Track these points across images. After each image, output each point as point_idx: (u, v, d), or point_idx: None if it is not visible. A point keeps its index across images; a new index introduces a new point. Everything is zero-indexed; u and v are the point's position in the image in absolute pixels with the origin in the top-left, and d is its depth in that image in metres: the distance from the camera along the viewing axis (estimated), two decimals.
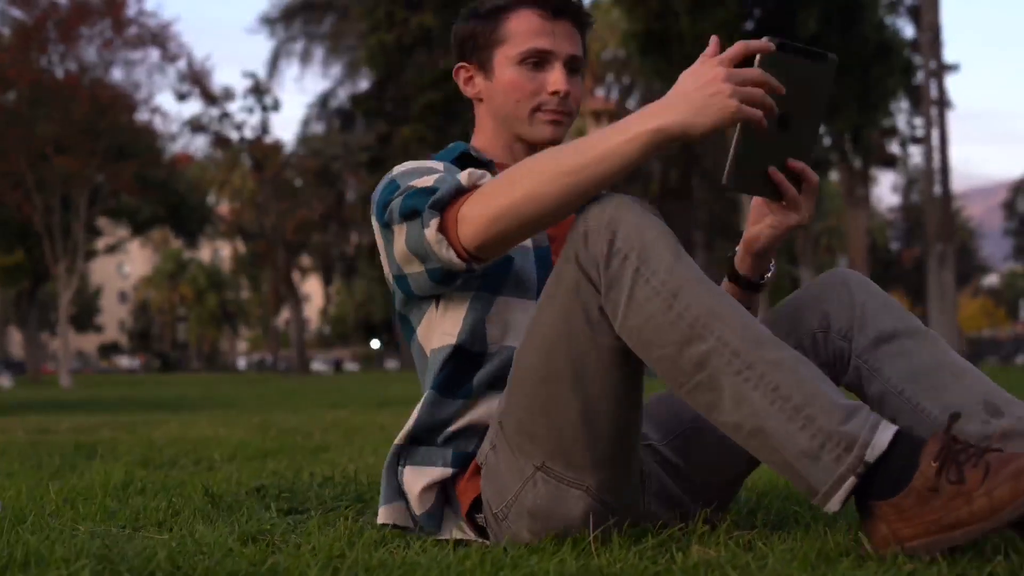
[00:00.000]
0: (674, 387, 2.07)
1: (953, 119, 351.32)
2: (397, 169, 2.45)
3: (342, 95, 54.16)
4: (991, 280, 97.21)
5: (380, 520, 2.48)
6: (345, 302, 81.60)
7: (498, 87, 2.54)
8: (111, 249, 50.31)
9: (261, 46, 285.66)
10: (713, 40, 2.10)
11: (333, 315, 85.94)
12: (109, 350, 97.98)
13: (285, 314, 74.67)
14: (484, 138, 2.62)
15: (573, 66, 2.54)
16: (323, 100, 55.69)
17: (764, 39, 2.07)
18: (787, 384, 1.96)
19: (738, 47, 2.06)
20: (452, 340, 2.41)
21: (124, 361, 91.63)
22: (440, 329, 2.44)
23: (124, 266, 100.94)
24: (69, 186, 33.43)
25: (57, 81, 32.78)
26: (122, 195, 38.21)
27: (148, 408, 12.77)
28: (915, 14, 38.81)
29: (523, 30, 2.51)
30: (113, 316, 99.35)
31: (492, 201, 2.16)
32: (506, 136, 2.59)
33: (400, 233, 2.31)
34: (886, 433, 1.90)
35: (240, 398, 16.29)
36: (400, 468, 2.45)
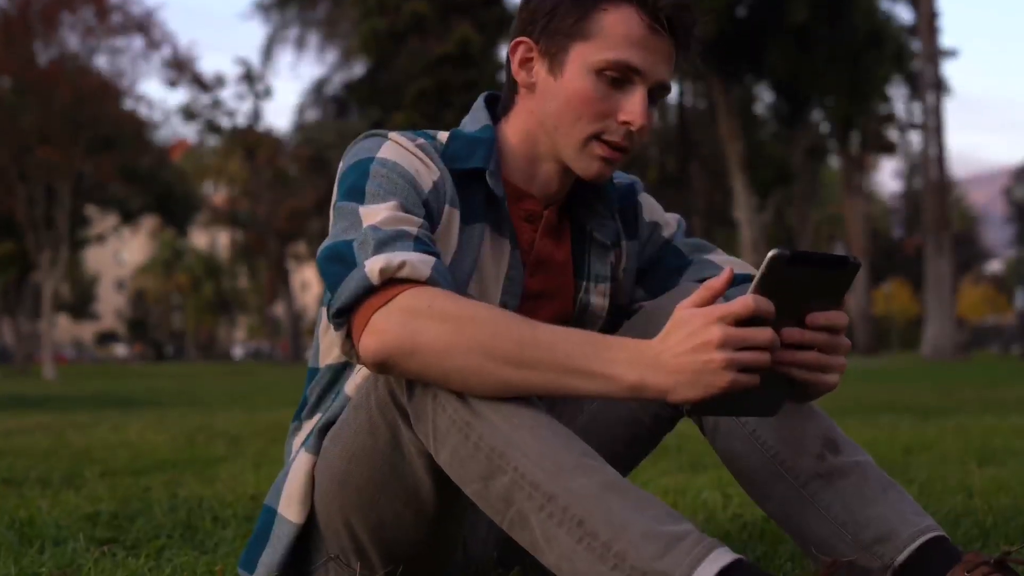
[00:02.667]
0: (500, 525, 1.80)
1: (958, 105, 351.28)
2: (381, 151, 2.00)
3: (337, 82, 53.94)
4: (994, 267, 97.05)
5: None
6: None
7: (562, 91, 2.02)
8: (100, 238, 50.05)
9: (256, 32, 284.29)
10: (725, 273, 1.72)
11: None
12: (106, 339, 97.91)
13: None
14: (515, 133, 2.13)
15: (658, 95, 2.05)
16: (318, 87, 55.42)
17: (775, 251, 1.65)
18: (593, 517, 1.66)
19: (745, 306, 1.66)
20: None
21: (119, 350, 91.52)
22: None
23: (121, 254, 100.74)
24: (52, 176, 33.09)
25: (39, 70, 32.39)
26: (109, 185, 38.00)
27: (115, 404, 12.55)
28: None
29: (619, 33, 1.97)
30: (110, 304, 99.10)
31: (412, 330, 1.76)
32: (543, 147, 2.10)
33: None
34: (710, 568, 1.58)
35: (212, 393, 16.02)
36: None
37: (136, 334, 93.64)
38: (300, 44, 54.45)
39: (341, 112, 52.54)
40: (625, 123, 2.01)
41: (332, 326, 1.86)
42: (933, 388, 12.96)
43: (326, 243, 1.91)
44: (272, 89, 65.02)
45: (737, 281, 2.21)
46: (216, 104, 52.77)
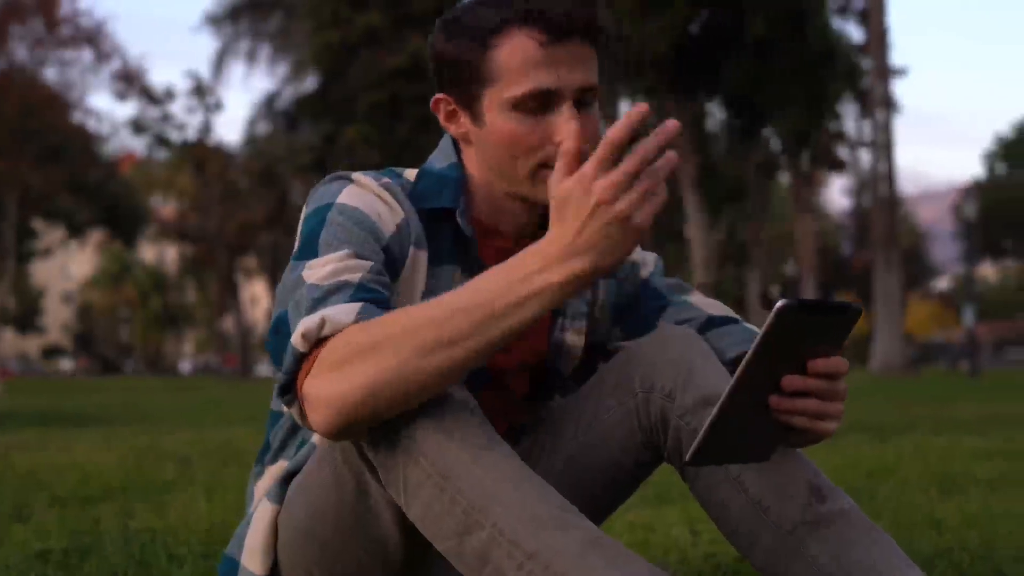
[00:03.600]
0: None
1: (906, 122, 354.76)
2: (341, 196, 1.92)
3: (288, 95, 53.81)
4: (942, 283, 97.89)
5: None
6: None
7: (490, 137, 1.96)
8: (47, 251, 49.72)
9: (206, 45, 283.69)
10: (572, 128, 1.66)
11: None
12: (52, 352, 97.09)
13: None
14: (476, 172, 2.05)
15: (587, 99, 1.95)
16: (269, 100, 55.26)
17: (782, 302, 1.61)
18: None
19: (606, 144, 1.60)
20: None
21: (65, 364, 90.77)
22: None
23: (68, 267, 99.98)
24: None
25: None
26: (57, 198, 37.78)
27: (62, 421, 12.29)
28: (864, 17, 38.77)
29: (518, 64, 1.89)
30: (56, 318, 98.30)
31: (342, 382, 1.67)
32: (501, 188, 2.03)
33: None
34: None
35: (160, 410, 15.82)
36: None
37: (82, 348, 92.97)
38: (251, 57, 54.31)
39: (292, 125, 52.40)
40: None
41: (279, 400, 1.78)
42: (887, 405, 12.97)
43: (274, 311, 1.86)
44: (223, 102, 64.77)
45: (717, 322, 2.18)
46: (166, 117, 52.61)
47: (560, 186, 1.63)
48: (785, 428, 1.79)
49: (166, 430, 10.09)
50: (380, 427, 1.74)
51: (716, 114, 41.32)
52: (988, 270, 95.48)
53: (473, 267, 2.00)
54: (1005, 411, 11.69)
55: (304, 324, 1.71)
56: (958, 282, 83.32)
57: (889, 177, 35.52)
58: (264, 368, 72.32)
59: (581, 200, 1.60)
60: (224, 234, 55.22)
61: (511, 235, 2.08)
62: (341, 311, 1.72)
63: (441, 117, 2.03)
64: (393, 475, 1.75)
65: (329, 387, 1.67)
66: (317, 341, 1.71)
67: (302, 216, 1.94)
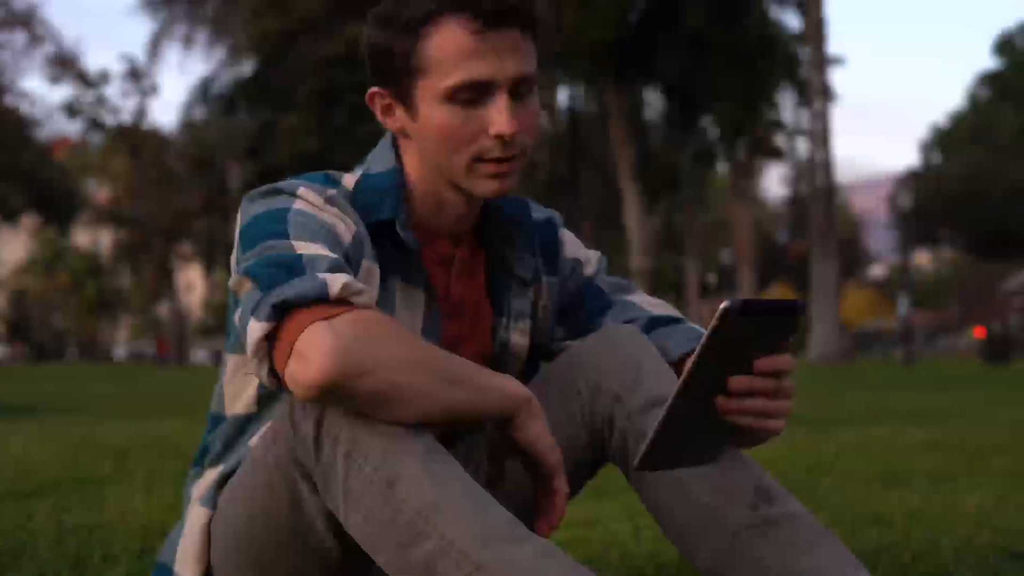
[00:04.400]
0: None
1: (843, 111, 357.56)
2: (295, 205, 1.86)
3: (226, 80, 53.39)
4: (877, 272, 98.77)
5: None
6: (227, 291, 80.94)
7: (425, 130, 1.91)
8: None
9: (142, 28, 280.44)
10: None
11: (216, 304, 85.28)
12: None
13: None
14: (414, 171, 2.00)
15: (523, 89, 1.89)
16: (205, 85, 54.78)
17: (726, 303, 1.61)
18: None
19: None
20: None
21: None
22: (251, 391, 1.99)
23: (1, 253, 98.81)
24: None
25: None
26: None
27: None
28: (801, 6, 38.96)
29: (450, 54, 1.83)
30: None
31: (370, 345, 1.64)
32: (440, 181, 1.98)
33: (242, 292, 1.76)
34: None
35: (96, 399, 15.67)
36: None
37: (15, 334, 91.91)
38: (188, 41, 53.80)
39: (229, 111, 51.98)
40: (499, 136, 1.88)
41: (256, 321, 1.67)
42: (824, 395, 13.03)
43: (254, 260, 1.76)
44: (158, 86, 64.13)
45: (661, 322, 2.16)
46: (100, 101, 52.05)
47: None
48: (733, 429, 1.77)
49: (102, 421, 9.97)
50: (319, 431, 1.70)
51: (654, 103, 41.42)
52: (923, 259, 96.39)
53: (416, 276, 1.98)
54: (939, 402, 11.80)
55: (345, 278, 1.68)
56: (893, 271, 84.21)
57: (826, 166, 35.74)
58: (200, 355, 71.93)
59: None
60: (159, 220, 54.79)
61: (452, 235, 2.05)
62: (357, 288, 1.70)
63: (377, 111, 1.98)
64: (332, 483, 1.70)
65: (353, 342, 1.62)
66: (343, 301, 1.67)
67: (244, 222, 1.87)
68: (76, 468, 5.70)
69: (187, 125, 55.39)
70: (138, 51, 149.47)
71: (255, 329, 1.67)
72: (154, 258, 57.30)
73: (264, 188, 1.91)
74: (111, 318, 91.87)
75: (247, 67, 49.54)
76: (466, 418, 1.73)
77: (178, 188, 54.83)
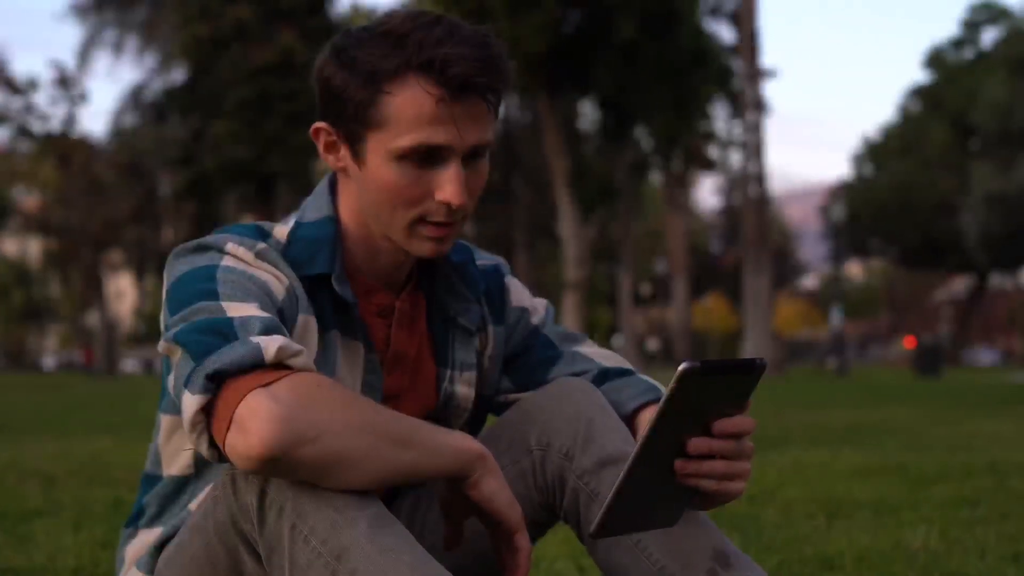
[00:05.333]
0: None
1: (776, 123, 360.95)
2: (223, 261, 1.79)
3: (156, 87, 53.11)
4: (809, 282, 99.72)
5: None
6: (159, 300, 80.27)
7: (370, 181, 1.85)
8: None
9: (71, 34, 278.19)
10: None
11: (146, 312, 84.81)
12: None
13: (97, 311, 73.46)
14: (350, 215, 1.94)
15: (478, 153, 1.85)
16: (136, 92, 54.48)
17: (685, 364, 1.57)
18: None
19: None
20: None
21: None
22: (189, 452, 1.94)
23: None
24: None
25: None
26: None
27: None
28: (735, 19, 39.23)
29: (409, 116, 1.77)
30: None
31: (311, 411, 1.58)
32: (375, 229, 1.92)
33: (174, 358, 1.70)
34: None
35: (21, 413, 15.47)
36: None
37: None
38: (118, 48, 53.52)
39: (160, 118, 51.77)
40: (446, 203, 1.82)
41: (191, 393, 1.60)
42: (760, 413, 13.05)
43: (183, 326, 1.69)
44: (88, 93, 63.66)
45: (613, 374, 2.11)
46: (29, 108, 51.67)
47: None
48: (691, 491, 1.75)
49: (29, 441, 9.79)
50: (262, 502, 1.64)
51: (588, 113, 41.57)
52: (854, 269, 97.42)
53: (355, 329, 1.93)
54: (873, 417, 11.96)
55: (280, 340, 1.62)
56: (825, 281, 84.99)
57: (759, 177, 35.98)
58: (130, 364, 71.26)
59: None
60: (89, 228, 54.31)
61: (390, 284, 2.00)
62: (294, 350, 1.64)
63: (320, 146, 1.91)
64: (277, 555, 1.64)
65: (293, 409, 1.55)
66: (277, 363, 1.61)
67: (172, 281, 1.80)
68: (2, 498, 5.56)
69: (117, 133, 55.07)
70: (68, 55, 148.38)
71: (190, 403, 1.61)
72: (83, 266, 56.77)
73: (191, 244, 1.84)
74: (39, 327, 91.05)
75: (178, 74, 49.29)
76: (417, 478, 1.69)
77: (108, 196, 54.41)
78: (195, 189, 46.97)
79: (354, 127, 1.83)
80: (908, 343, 49.30)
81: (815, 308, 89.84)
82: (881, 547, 3.84)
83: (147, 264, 62.82)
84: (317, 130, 1.91)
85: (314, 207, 1.95)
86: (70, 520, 4.70)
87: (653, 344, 71.71)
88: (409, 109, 1.78)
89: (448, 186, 1.81)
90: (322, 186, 1.99)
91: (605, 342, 73.69)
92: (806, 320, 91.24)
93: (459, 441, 1.71)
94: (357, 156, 1.86)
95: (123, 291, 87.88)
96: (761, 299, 35.95)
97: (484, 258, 2.16)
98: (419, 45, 1.77)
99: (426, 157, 1.81)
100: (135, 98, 54.13)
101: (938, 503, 5.03)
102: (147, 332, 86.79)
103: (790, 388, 23.52)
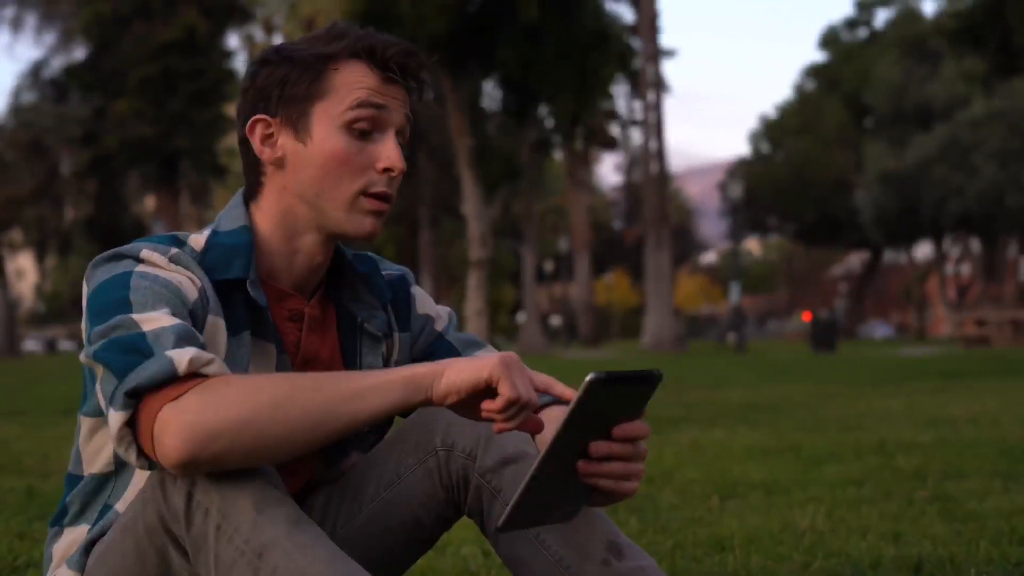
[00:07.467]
0: None
1: (675, 101, 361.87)
2: (137, 268, 1.90)
3: (57, 65, 52.16)
4: (709, 258, 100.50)
5: None
6: (60, 278, 79.16)
7: (315, 156, 1.97)
8: None
9: None
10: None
11: (48, 292, 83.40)
12: None
13: None
14: (267, 219, 2.06)
15: (401, 139, 2.04)
16: (35, 69, 53.45)
17: (591, 376, 1.69)
18: None
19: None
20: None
21: None
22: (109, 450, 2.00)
23: None
24: None
25: None
26: None
27: None
28: (636, 1, 39.41)
29: (355, 83, 1.97)
30: None
31: (215, 412, 1.70)
32: (303, 220, 2.04)
33: (98, 373, 1.82)
34: None
35: None
36: None
37: None
38: (16, 24, 52.42)
39: (61, 96, 50.86)
40: (386, 170, 1.99)
41: (115, 410, 1.74)
42: (662, 391, 13.28)
43: (102, 343, 1.81)
44: None
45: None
46: None
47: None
48: (590, 489, 1.87)
49: None
50: (189, 504, 1.77)
51: (492, 92, 41.58)
52: (753, 245, 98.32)
53: (267, 331, 2.04)
54: (770, 396, 12.16)
55: (192, 352, 1.74)
56: (724, 257, 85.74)
57: (659, 155, 36.32)
58: (31, 344, 70.14)
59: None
60: None
61: (302, 290, 2.11)
62: (207, 359, 1.76)
63: (255, 140, 2.02)
64: (203, 553, 1.77)
65: (197, 419, 1.69)
66: (193, 374, 1.74)
67: (89, 291, 1.92)
68: None
69: (16, 110, 53.98)
70: None
71: (115, 419, 1.74)
72: None
73: (108, 253, 1.95)
74: None
75: (79, 52, 48.54)
76: (361, 423, 1.77)
77: (8, 175, 53.38)
78: (97, 167, 46.35)
79: (299, 105, 1.99)
80: (805, 317, 49.99)
81: (715, 284, 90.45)
82: (771, 528, 4.02)
83: (48, 243, 61.79)
84: (254, 124, 2.02)
85: (229, 218, 2.07)
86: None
87: (556, 320, 71.89)
88: (354, 79, 1.98)
89: (389, 153, 2.00)
90: (236, 199, 2.10)
91: (510, 319, 73.65)
92: (707, 296, 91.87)
93: (388, 375, 1.78)
94: (301, 134, 1.99)
95: (23, 270, 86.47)
96: (663, 275, 36.33)
97: (390, 268, 2.28)
98: (357, 37, 1.99)
99: (369, 123, 1.99)
100: (35, 76, 53.17)
101: (827, 483, 5.22)
102: (48, 311, 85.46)
103: (691, 364, 23.78)
